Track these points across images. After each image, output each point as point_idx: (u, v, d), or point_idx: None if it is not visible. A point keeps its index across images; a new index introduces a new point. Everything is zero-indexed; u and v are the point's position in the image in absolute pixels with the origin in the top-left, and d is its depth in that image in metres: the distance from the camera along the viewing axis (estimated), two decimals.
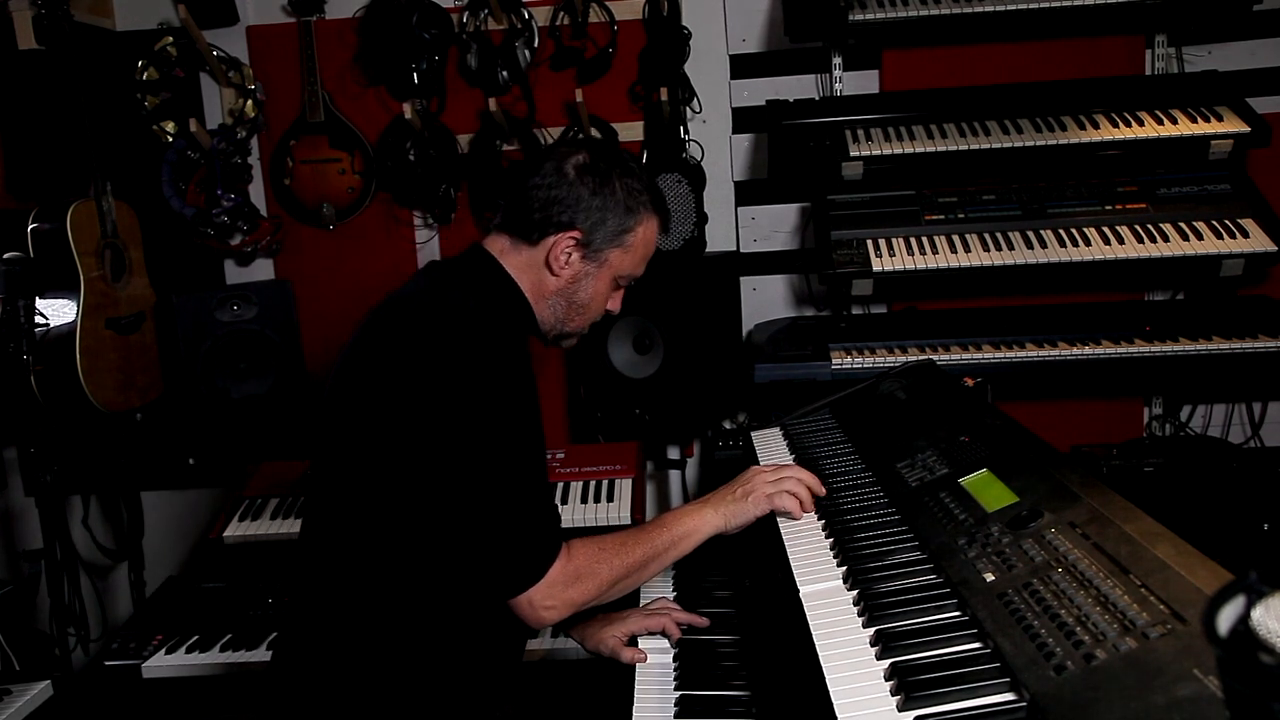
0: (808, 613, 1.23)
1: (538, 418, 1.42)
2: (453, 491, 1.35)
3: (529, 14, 2.77)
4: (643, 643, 1.65)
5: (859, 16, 2.43)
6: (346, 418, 1.43)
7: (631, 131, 2.81)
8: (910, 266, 2.38)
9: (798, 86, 2.78)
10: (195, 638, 2.29)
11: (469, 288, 1.47)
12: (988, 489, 1.36)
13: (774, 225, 2.86)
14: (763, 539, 1.57)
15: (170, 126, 2.90)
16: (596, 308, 1.57)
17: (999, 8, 2.41)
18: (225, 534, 2.40)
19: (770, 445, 1.96)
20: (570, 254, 1.50)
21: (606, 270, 1.53)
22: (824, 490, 1.57)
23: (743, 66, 2.82)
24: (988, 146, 2.43)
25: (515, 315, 1.52)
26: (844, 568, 1.32)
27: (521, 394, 1.38)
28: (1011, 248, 2.39)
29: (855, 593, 1.25)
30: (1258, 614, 0.54)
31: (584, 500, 2.39)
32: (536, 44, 2.78)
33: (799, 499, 1.54)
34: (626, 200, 1.50)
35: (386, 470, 1.38)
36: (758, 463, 1.87)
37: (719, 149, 2.83)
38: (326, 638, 1.44)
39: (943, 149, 2.44)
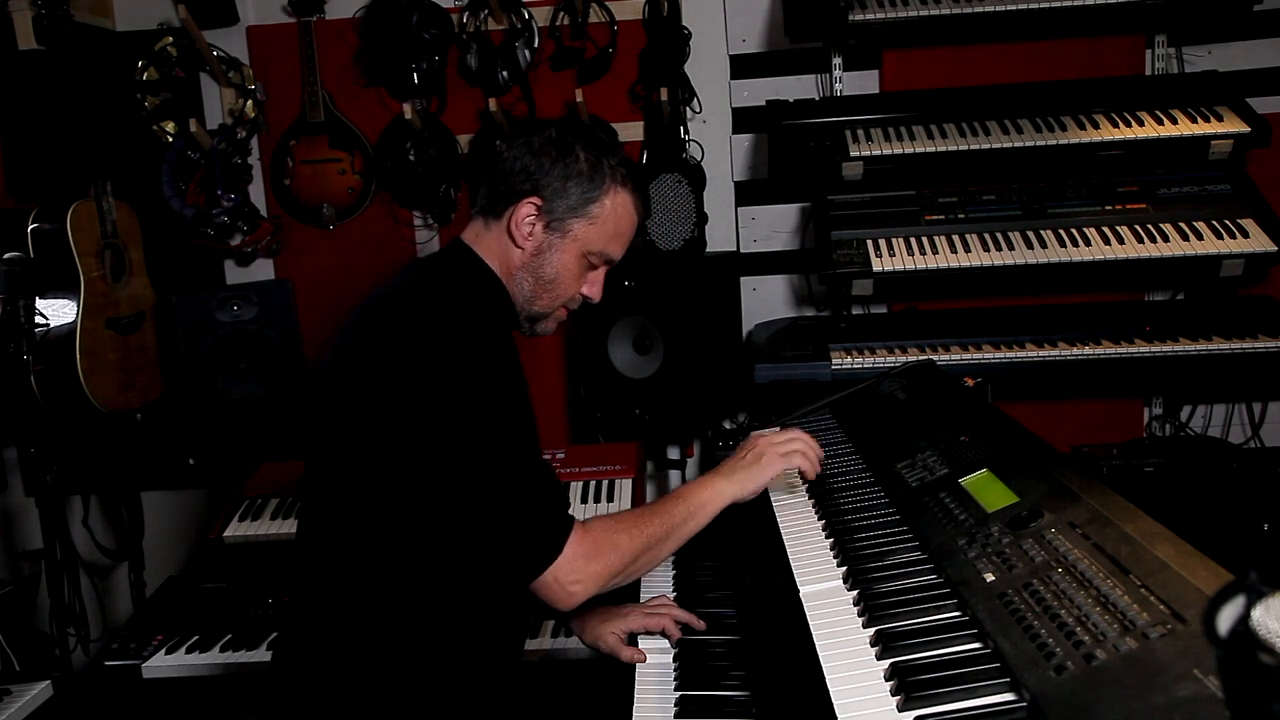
0: (808, 613, 1.23)
1: (526, 403, 1.41)
2: (449, 486, 1.34)
3: (529, 14, 2.77)
4: (642, 642, 1.65)
5: (859, 16, 2.43)
6: (335, 420, 1.43)
7: (631, 131, 2.81)
8: (910, 266, 2.38)
9: (798, 86, 2.78)
10: (195, 638, 2.29)
11: (445, 281, 1.46)
12: (988, 489, 1.36)
13: (774, 225, 2.86)
14: (763, 539, 1.57)
15: (170, 126, 2.90)
16: (565, 285, 1.50)
17: (999, 8, 2.40)
18: (225, 534, 2.40)
19: None
20: (532, 223, 1.46)
21: (572, 244, 1.47)
22: (822, 454, 1.61)
23: (743, 66, 2.82)
24: (988, 146, 2.43)
25: (491, 302, 1.49)
26: (844, 568, 1.32)
27: (503, 380, 1.36)
28: (1011, 248, 2.39)
29: (855, 593, 1.25)
30: (1258, 614, 0.54)
31: (584, 500, 2.39)
32: (536, 44, 2.78)
33: (809, 459, 1.57)
34: (590, 170, 1.46)
35: (379, 471, 1.37)
36: None
37: (719, 149, 2.83)
38: (325, 638, 1.44)
39: (943, 149, 2.44)
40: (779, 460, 1.54)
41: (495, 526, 1.34)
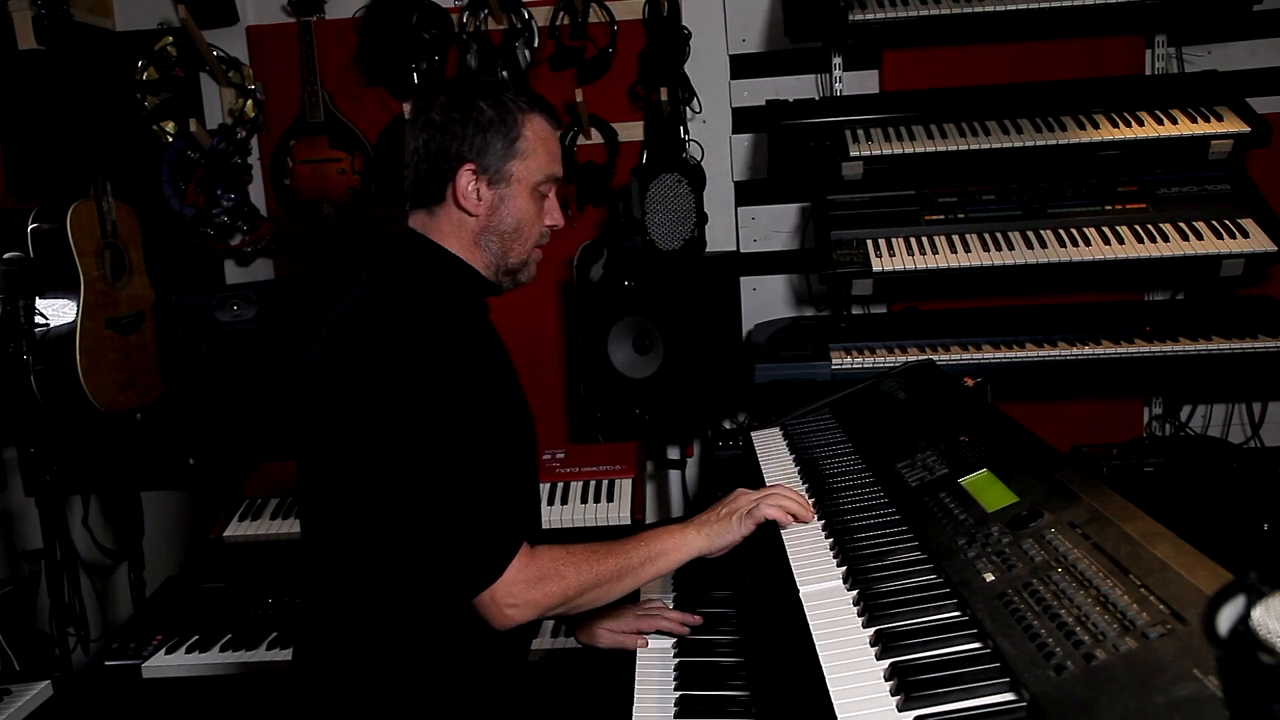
0: (808, 613, 1.23)
1: (497, 405, 1.40)
2: (403, 499, 1.34)
3: (529, 14, 2.77)
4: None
5: (859, 16, 2.43)
6: (312, 429, 1.44)
7: (631, 131, 2.81)
8: (910, 266, 2.38)
9: (798, 86, 2.78)
10: (195, 638, 2.29)
11: (405, 287, 1.45)
12: (988, 489, 1.36)
13: (774, 225, 2.86)
14: (762, 539, 1.57)
15: (170, 126, 2.90)
16: (530, 228, 1.51)
17: (999, 8, 2.41)
18: (225, 534, 2.40)
19: (770, 445, 1.96)
20: (475, 188, 1.46)
21: (518, 186, 1.48)
22: (811, 516, 1.52)
23: (743, 66, 2.82)
24: (988, 146, 2.43)
25: (455, 293, 1.48)
26: (844, 568, 1.32)
27: (463, 391, 1.35)
28: (1011, 248, 2.39)
29: (855, 593, 1.25)
30: (1258, 614, 0.54)
31: (584, 500, 2.39)
32: (536, 44, 2.78)
33: (785, 510, 1.50)
34: (499, 113, 1.45)
35: (348, 480, 1.38)
36: (758, 463, 1.87)
37: (719, 149, 2.83)
38: (329, 638, 1.45)
39: (943, 149, 2.44)
40: (748, 521, 1.49)
41: (439, 542, 1.34)
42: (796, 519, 1.51)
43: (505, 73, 2.76)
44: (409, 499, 1.33)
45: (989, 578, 1.14)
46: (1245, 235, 2.32)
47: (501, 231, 1.49)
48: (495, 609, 1.34)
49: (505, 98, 1.48)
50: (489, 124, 1.45)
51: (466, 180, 1.45)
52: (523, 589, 1.35)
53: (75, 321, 2.50)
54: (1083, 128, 2.45)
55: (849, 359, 2.37)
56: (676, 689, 1.50)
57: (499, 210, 1.48)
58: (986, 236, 2.43)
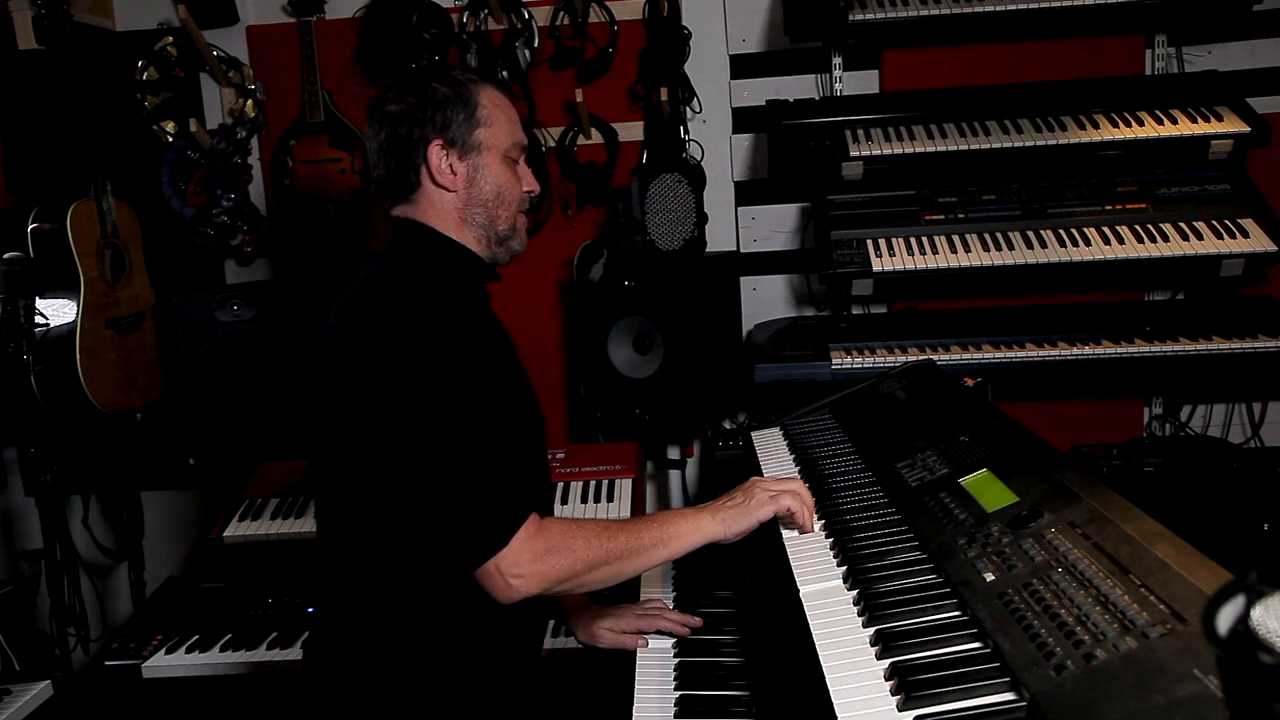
0: (808, 612, 1.23)
1: (500, 382, 1.40)
2: (416, 469, 1.33)
3: (529, 14, 2.77)
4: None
5: (859, 16, 2.43)
6: (321, 422, 1.44)
7: (631, 131, 2.81)
8: (910, 266, 2.38)
9: (798, 86, 2.78)
10: (195, 638, 2.29)
11: (407, 264, 1.47)
12: (988, 489, 1.36)
13: (774, 225, 2.86)
14: (763, 539, 1.57)
15: (170, 126, 2.90)
16: (510, 193, 1.54)
17: (999, 8, 2.41)
18: (225, 534, 2.40)
19: (770, 445, 1.96)
20: (449, 162, 1.48)
21: (489, 154, 1.51)
22: (813, 526, 1.50)
23: (743, 66, 2.82)
24: (988, 146, 2.43)
25: (452, 269, 1.50)
26: (844, 568, 1.32)
27: (466, 365, 1.36)
28: (1011, 248, 2.39)
29: (855, 592, 1.25)
30: (1258, 614, 0.54)
31: (584, 500, 2.40)
32: (536, 44, 2.78)
33: (804, 504, 1.49)
34: (453, 89, 1.49)
35: (358, 462, 1.39)
36: (758, 463, 1.87)
37: (719, 149, 2.83)
38: (343, 632, 1.46)
39: (943, 149, 2.44)
40: (769, 503, 1.47)
41: (445, 513, 1.33)
42: (803, 526, 1.49)
43: (505, 73, 2.77)
44: (418, 470, 1.33)
45: (989, 577, 1.14)
46: (1245, 235, 2.32)
47: (484, 201, 1.52)
48: (499, 579, 1.33)
49: (454, 74, 1.51)
50: (446, 100, 1.48)
51: (438, 157, 1.48)
52: (529, 560, 1.33)
53: (75, 321, 2.50)
54: (1083, 128, 2.45)
55: (849, 359, 2.37)
56: (677, 689, 1.50)
57: (476, 180, 1.51)
58: (986, 236, 2.43)
